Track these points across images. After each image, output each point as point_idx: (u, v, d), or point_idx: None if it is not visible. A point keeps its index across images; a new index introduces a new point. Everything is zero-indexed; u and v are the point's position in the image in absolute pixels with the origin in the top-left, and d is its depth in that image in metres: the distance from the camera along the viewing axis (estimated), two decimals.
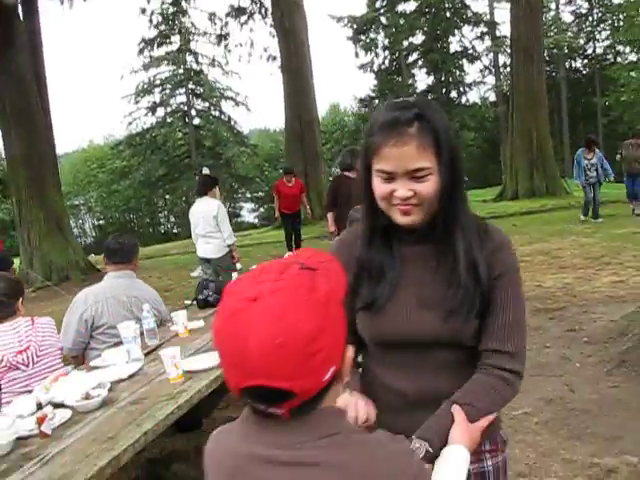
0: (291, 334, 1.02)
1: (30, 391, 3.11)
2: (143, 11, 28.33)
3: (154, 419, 2.48)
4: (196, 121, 41.42)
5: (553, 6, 40.59)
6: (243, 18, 21.19)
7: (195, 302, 4.77)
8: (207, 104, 42.20)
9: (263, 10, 21.02)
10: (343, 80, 77.26)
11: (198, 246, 7.50)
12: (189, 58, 39.38)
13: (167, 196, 45.07)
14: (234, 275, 4.49)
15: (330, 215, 8.12)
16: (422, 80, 41.17)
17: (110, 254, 4.21)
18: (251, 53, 23.58)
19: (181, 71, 40.21)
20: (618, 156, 13.87)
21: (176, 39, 37.27)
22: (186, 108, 41.17)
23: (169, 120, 41.37)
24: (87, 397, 2.70)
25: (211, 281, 4.97)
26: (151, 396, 2.77)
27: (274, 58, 22.28)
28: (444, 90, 40.40)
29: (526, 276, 8.19)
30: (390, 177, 1.54)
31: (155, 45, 37.60)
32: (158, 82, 40.61)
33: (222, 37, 21.96)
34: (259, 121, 64.03)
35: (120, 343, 3.63)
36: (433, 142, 1.50)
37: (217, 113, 42.26)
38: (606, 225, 12.53)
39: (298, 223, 12.76)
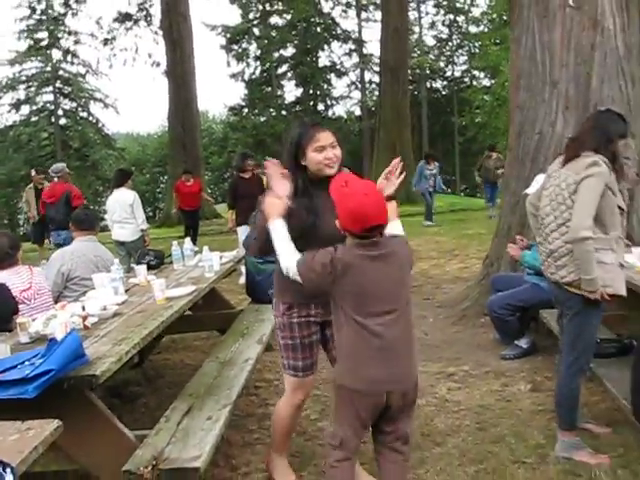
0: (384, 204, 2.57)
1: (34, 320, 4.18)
2: None
3: (161, 317, 3.71)
4: (63, 121, 40.60)
5: (417, 29, 43.53)
6: (129, 24, 21.92)
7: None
8: (75, 104, 41.35)
9: (149, 17, 21.88)
10: (213, 88, 77.84)
11: (113, 231, 8.52)
12: (56, 55, 38.71)
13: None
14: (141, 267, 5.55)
15: (230, 213, 9.51)
16: (291, 92, 42.56)
17: (79, 222, 5.34)
18: (135, 58, 24.29)
19: (48, 69, 39.38)
20: (476, 173, 16.31)
21: (44, 35, 36.70)
22: (53, 107, 40.18)
23: (34, 119, 40.12)
24: (104, 309, 3.86)
25: (151, 250, 6.16)
26: (148, 309, 3.98)
27: (158, 64, 23.12)
28: (312, 103, 41.96)
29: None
30: (322, 148, 2.98)
31: (22, 39, 36.86)
32: (23, 78, 39.58)
33: (108, 41, 22.50)
34: (126, 125, 63.35)
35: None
36: (335, 135, 3.03)
37: (85, 114, 41.51)
38: (457, 227, 14.62)
39: (197, 219, 13.98)
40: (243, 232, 9.21)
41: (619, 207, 3.45)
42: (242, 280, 7.76)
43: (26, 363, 2.76)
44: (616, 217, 3.41)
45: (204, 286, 4.80)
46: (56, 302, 5.14)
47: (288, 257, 2.72)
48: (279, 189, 2.89)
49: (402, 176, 3.09)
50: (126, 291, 4.61)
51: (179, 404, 3.50)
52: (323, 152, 2.97)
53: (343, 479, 2.77)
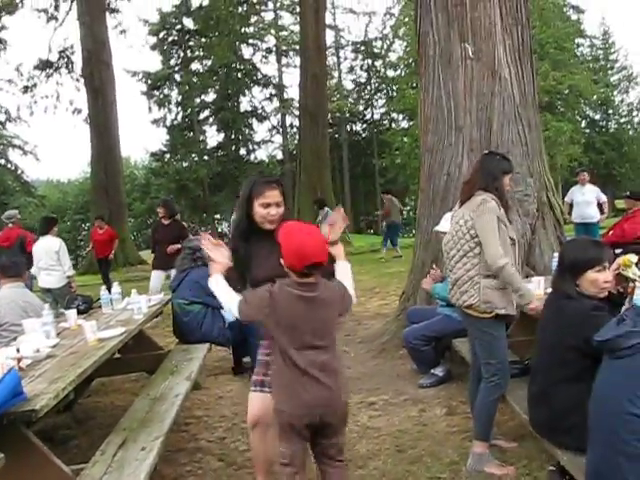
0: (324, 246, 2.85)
1: None
2: None
3: (94, 357, 3.88)
4: None
5: (336, 74, 44.64)
6: (49, 71, 21.86)
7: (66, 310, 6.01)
8: None
9: (70, 65, 21.88)
10: (134, 133, 77.50)
11: (40, 278, 8.55)
12: None
13: None
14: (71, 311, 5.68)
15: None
16: (213, 137, 42.78)
17: (6, 269, 5.44)
18: (56, 106, 24.15)
19: None
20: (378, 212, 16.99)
21: None
22: None
23: None
24: (37, 351, 4.00)
25: (80, 295, 6.28)
26: (81, 350, 4.14)
27: (79, 111, 23.06)
28: (234, 147, 42.20)
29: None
30: (267, 205, 3.35)
31: None
32: None
33: (28, 88, 22.32)
34: (46, 171, 62.34)
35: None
36: (282, 194, 3.35)
37: (2, 161, 40.61)
38: (378, 266, 15.06)
39: (107, 267, 13.85)
40: (157, 276, 9.59)
41: (510, 238, 3.91)
42: None
43: None
44: (507, 247, 3.85)
45: (133, 327, 4.99)
46: None
47: (229, 301, 3.07)
48: (218, 257, 3.24)
49: (345, 223, 3.40)
50: (57, 335, 4.73)
51: (113, 438, 3.68)
52: (267, 208, 3.37)
53: None
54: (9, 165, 39.73)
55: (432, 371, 5.75)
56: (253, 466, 3.76)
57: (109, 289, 6.35)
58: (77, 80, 21.90)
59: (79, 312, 5.76)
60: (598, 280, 3.16)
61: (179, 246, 9.30)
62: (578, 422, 2.85)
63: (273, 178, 3.53)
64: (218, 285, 3.16)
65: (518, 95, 6.45)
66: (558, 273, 3.36)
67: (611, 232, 9.09)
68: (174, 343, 6.78)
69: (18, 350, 3.89)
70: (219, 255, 3.25)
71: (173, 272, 9.18)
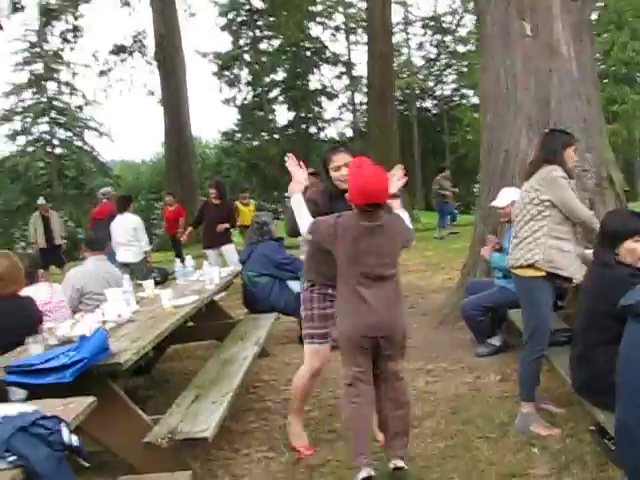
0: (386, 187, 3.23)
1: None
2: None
3: (170, 320, 4.28)
4: (58, 150, 40.89)
5: (405, 50, 44.34)
6: (124, 55, 22.65)
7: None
8: (70, 134, 41.72)
9: (143, 48, 22.63)
10: (206, 113, 78.92)
11: (118, 253, 9.08)
12: (51, 87, 39.28)
13: (25, 227, 43.79)
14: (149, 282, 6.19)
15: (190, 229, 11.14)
16: (283, 115, 43.36)
17: (90, 243, 5.93)
18: (130, 88, 24.97)
19: (44, 99, 39.91)
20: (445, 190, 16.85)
21: (40, 67, 37.29)
22: (48, 137, 40.56)
23: (30, 149, 40.37)
24: (119, 316, 4.42)
25: (156, 268, 6.74)
26: (158, 316, 4.56)
27: (153, 93, 23.81)
28: (304, 125, 42.54)
29: None
30: (338, 168, 3.75)
31: (18, 71, 37.45)
32: (20, 110, 40.13)
33: (104, 72, 23.21)
34: (120, 152, 64.11)
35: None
36: (350, 155, 3.69)
37: (80, 143, 41.91)
38: (446, 241, 15.21)
39: (179, 243, 14.28)
40: (212, 255, 9.95)
41: None
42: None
43: (61, 356, 3.32)
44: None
45: (206, 296, 5.39)
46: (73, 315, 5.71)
47: (303, 220, 3.52)
48: (298, 175, 3.73)
49: (404, 179, 3.90)
50: (136, 303, 5.16)
51: (188, 393, 4.08)
52: (338, 171, 3.78)
53: (358, 415, 3.47)
54: (86, 147, 41.14)
55: (488, 341, 5.97)
56: (291, 408, 4.29)
57: (182, 262, 6.79)
58: (150, 63, 22.64)
59: (156, 283, 6.20)
60: (636, 250, 3.34)
61: (227, 225, 9.81)
62: (614, 383, 3.05)
63: (338, 144, 4.01)
64: (299, 204, 3.57)
65: (577, 71, 6.52)
66: (599, 242, 3.55)
67: None
68: (243, 314, 7.19)
69: (103, 314, 4.32)
70: (299, 174, 3.69)
71: (225, 248, 9.90)
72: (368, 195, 3.27)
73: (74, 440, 2.49)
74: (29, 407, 2.60)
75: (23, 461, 2.27)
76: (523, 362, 4.23)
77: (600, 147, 6.68)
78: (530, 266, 4.08)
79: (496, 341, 5.96)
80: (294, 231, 3.75)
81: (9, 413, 2.46)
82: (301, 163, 3.82)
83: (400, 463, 3.48)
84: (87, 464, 2.63)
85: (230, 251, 10.08)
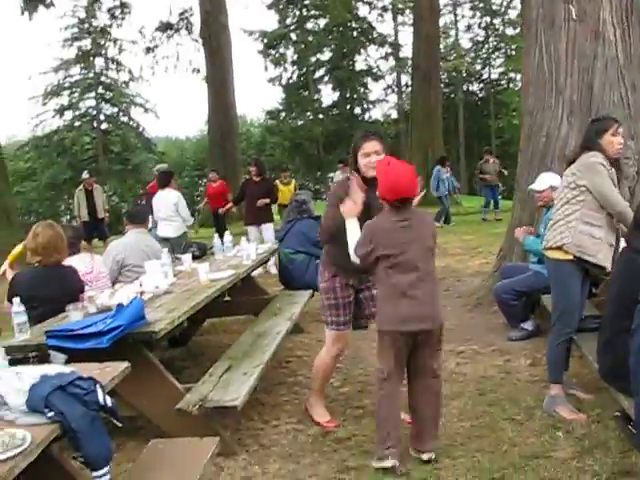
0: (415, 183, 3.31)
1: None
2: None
3: (205, 293, 4.40)
4: (104, 126, 41.28)
5: (453, 32, 43.86)
6: (170, 32, 22.85)
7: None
8: (116, 109, 42.17)
9: (189, 26, 22.77)
10: (251, 92, 79.23)
11: (159, 227, 9.25)
12: (99, 62, 39.77)
13: (71, 200, 44.45)
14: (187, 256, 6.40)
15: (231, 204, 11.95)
16: (328, 95, 43.18)
17: (132, 217, 6.09)
18: (176, 65, 25.37)
19: (91, 75, 40.43)
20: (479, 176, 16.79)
21: (87, 43, 37.76)
22: (95, 112, 41.02)
23: (77, 124, 40.84)
24: (157, 287, 4.56)
25: (195, 242, 6.89)
26: (194, 288, 4.69)
27: (198, 71, 24.00)
28: (349, 106, 42.50)
29: None
30: (367, 155, 3.80)
31: (67, 47, 38.00)
32: (67, 85, 40.69)
33: (150, 49, 23.46)
34: (165, 129, 64.82)
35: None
36: (381, 143, 3.70)
37: (126, 119, 42.35)
38: (486, 226, 15.14)
39: (223, 220, 14.51)
40: (253, 232, 10.09)
41: None
42: (274, 269, 8.42)
43: (99, 322, 3.46)
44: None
45: (242, 271, 5.52)
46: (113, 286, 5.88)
47: (356, 245, 3.58)
48: (356, 198, 3.73)
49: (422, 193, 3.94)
50: (174, 276, 5.31)
51: (220, 364, 4.21)
52: (367, 158, 3.84)
53: (391, 408, 3.57)
54: (131, 122, 41.71)
55: (521, 325, 5.98)
56: (313, 388, 4.45)
57: (221, 238, 6.92)
58: (196, 41, 22.80)
59: (194, 257, 6.35)
60: None
61: (268, 200, 9.93)
62: None
63: (371, 131, 4.01)
64: (352, 229, 3.66)
65: (622, 57, 6.43)
66: (631, 229, 3.55)
67: None
68: (279, 290, 7.31)
69: (141, 285, 4.46)
70: (358, 197, 3.72)
71: (264, 226, 10.07)
72: (400, 190, 3.39)
73: (108, 401, 2.62)
74: (67, 368, 2.73)
75: (60, 417, 2.40)
76: (551, 344, 4.28)
77: None
78: (559, 248, 4.13)
79: (529, 326, 5.97)
80: (326, 237, 3.96)
81: (48, 373, 2.60)
82: (363, 186, 3.83)
83: (427, 456, 3.60)
84: (120, 424, 2.75)
85: (269, 230, 10.23)
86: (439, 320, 3.57)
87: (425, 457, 3.60)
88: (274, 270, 9.26)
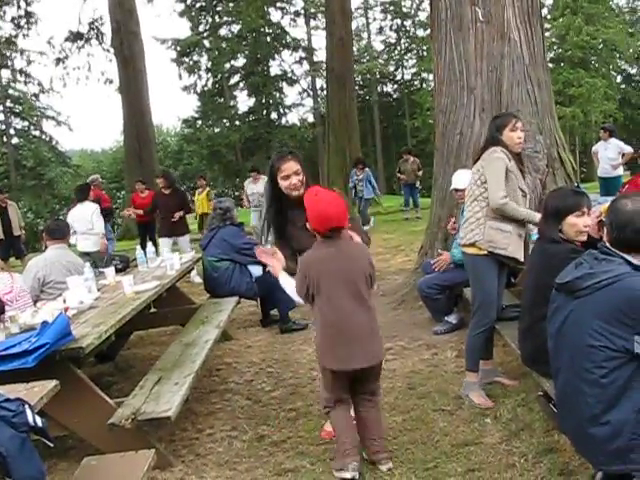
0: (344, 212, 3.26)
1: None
2: None
3: (131, 306, 4.35)
4: (15, 140, 40.07)
5: (365, 35, 44.45)
6: (80, 42, 22.34)
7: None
8: (27, 123, 40.94)
9: (100, 36, 22.33)
10: (166, 101, 78.25)
11: (78, 242, 9.06)
12: (5, 74, 38.47)
13: None
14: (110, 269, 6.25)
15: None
16: (244, 102, 43.14)
17: (52, 232, 5.94)
18: (88, 76, 24.76)
19: None
20: (398, 175, 17.01)
21: None
22: (4, 127, 39.76)
23: None
24: (81, 303, 4.48)
25: (117, 255, 6.78)
26: (119, 301, 4.62)
27: (111, 81, 23.56)
28: (265, 111, 42.46)
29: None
30: (287, 177, 3.73)
31: None
32: None
33: (60, 60, 22.83)
34: (80, 141, 63.34)
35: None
36: (299, 162, 3.71)
37: (37, 133, 41.12)
38: (406, 225, 15.41)
39: (152, 231, 14.04)
40: (165, 244, 9.65)
41: (520, 189, 4.35)
42: (198, 279, 8.32)
43: (23, 342, 3.38)
44: (518, 197, 4.29)
45: (167, 281, 5.47)
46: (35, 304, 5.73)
47: (294, 292, 3.56)
48: (275, 265, 3.69)
49: None
50: (98, 290, 5.22)
51: (150, 376, 4.16)
52: (287, 180, 3.75)
53: (340, 417, 3.60)
54: (44, 136, 40.34)
55: (446, 318, 6.14)
56: None
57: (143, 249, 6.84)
58: (107, 51, 22.38)
59: (117, 270, 6.25)
60: (577, 224, 3.51)
61: (182, 213, 9.89)
62: None
63: (285, 151, 3.91)
64: (284, 281, 3.63)
65: (527, 56, 6.69)
66: (542, 219, 3.70)
67: (627, 187, 9.27)
68: (206, 299, 7.26)
69: (64, 301, 4.37)
70: (276, 262, 3.68)
71: (181, 239, 9.98)
72: (329, 220, 3.35)
73: (39, 421, 2.56)
74: None
75: None
76: (469, 335, 4.46)
77: (551, 129, 6.86)
78: (473, 245, 4.30)
79: (453, 319, 6.12)
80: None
81: None
82: (272, 250, 3.76)
83: (386, 467, 3.57)
84: (52, 444, 2.70)
85: (185, 242, 10.15)
86: (378, 357, 3.56)
87: (384, 468, 3.55)
88: (198, 279, 9.20)
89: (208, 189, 14.26)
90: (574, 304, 2.82)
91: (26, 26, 22.36)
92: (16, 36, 24.22)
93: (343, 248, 3.44)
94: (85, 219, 8.92)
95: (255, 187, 12.98)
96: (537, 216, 4.18)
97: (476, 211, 4.30)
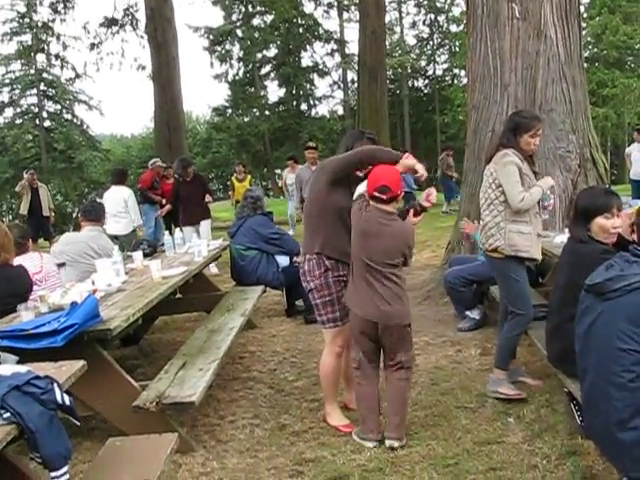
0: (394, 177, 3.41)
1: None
2: None
3: (158, 290, 4.39)
4: (47, 123, 40.41)
5: (398, 29, 44.22)
6: (115, 28, 22.48)
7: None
8: (59, 107, 41.37)
9: (135, 22, 22.45)
10: (197, 88, 78.55)
11: (108, 225, 9.13)
12: (41, 59, 38.88)
13: (13, 200, 43.50)
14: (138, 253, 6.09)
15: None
16: (274, 92, 43.19)
17: (86, 213, 6.01)
18: (121, 62, 24.99)
19: (32, 71, 39.55)
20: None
21: (28, 38, 36.85)
22: (37, 110, 40.16)
23: (18, 121, 40.12)
24: (109, 285, 4.52)
25: (145, 240, 6.84)
26: (147, 285, 4.66)
27: (144, 67, 23.69)
28: (295, 103, 42.55)
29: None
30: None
31: (6, 42, 37.03)
32: (7, 81, 39.78)
33: (94, 45, 22.99)
34: (110, 126, 63.90)
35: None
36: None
37: (69, 116, 41.52)
38: (433, 220, 15.31)
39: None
40: (188, 232, 9.07)
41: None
42: (214, 270, 8.27)
43: (53, 321, 3.42)
44: (528, 197, 4.20)
45: (194, 267, 5.50)
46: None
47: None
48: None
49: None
50: (126, 273, 5.26)
51: (175, 361, 4.20)
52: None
53: (364, 393, 3.81)
54: (75, 120, 40.78)
55: (468, 313, 6.10)
56: (326, 397, 4.27)
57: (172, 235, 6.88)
58: (141, 37, 22.49)
59: (144, 255, 6.28)
60: (606, 225, 3.48)
61: (210, 199, 9.87)
62: None
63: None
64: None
65: (563, 54, 6.63)
66: (572, 219, 3.67)
67: None
68: (231, 287, 7.29)
69: (93, 283, 4.42)
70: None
71: (202, 223, 9.75)
72: (376, 180, 3.58)
73: (67, 400, 2.60)
74: (22, 368, 2.70)
75: (17, 418, 2.37)
76: (505, 336, 4.40)
77: (584, 129, 6.80)
78: (495, 249, 4.26)
79: (476, 314, 6.09)
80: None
81: (3, 373, 2.57)
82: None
83: (389, 443, 3.73)
84: (78, 423, 2.73)
85: (206, 226, 9.94)
86: (397, 321, 3.71)
87: (387, 443, 3.72)
88: (215, 270, 9.18)
89: (249, 177, 14.17)
90: (604, 306, 2.78)
91: (63, 11, 22.51)
92: (53, 21, 24.41)
93: (393, 221, 3.68)
94: (117, 202, 9.01)
95: (294, 176, 12.77)
96: (548, 181, 4.32)
97: (494, 215, 4.26)
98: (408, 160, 3.84)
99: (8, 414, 2.39)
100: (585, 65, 7.39)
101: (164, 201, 11.00)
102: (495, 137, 4.54)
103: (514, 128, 4.26)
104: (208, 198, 9.95)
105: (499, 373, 4.40)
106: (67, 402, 2.59)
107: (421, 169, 3.89)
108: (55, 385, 2.56)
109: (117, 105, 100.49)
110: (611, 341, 2.71)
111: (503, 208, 4.21)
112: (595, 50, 36.32)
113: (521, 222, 4.19)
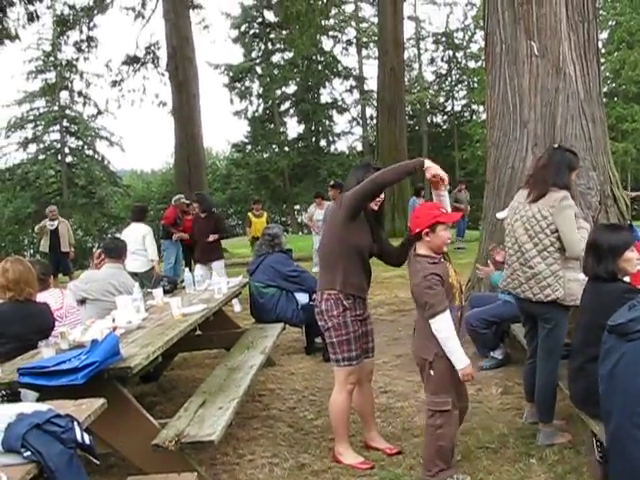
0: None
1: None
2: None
3: (179, 328, 4.39)
4: (69, 159, 40.95)
5: (417, 65, 44.60)
6: (136, 66, 22.88)
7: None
8: (81, 143, 41.96)
9: (156, 60, 22.85)
10: (216, 125, 79.35)
11: (127, 262, 9.16)
12: (64, 96, 39.52)
13: (35, 234, 43.55)
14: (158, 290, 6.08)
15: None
16: (293, 128, 43.58)
17: (108, 251, 6.04)
18: (143, 99, 25.38)
19: (55, 108, 40.21)
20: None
21: (52, 75, 37.50)
22: (59, 145, 40.75)
23: (41, 157, 40.64)
24: (129, 322, 4.53)
25: (165, 276, 6.86)
26: (167, 323, 4.67)
27: (164, 104, 24.05)
28: (314, 139, 42.92)
29: (387, 291, 10.58)
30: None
31: (31, 80, 37.75)
32: (31, 117, 40.42)
33: (116, 82, 23.41)
34: (130, 162, 64.66)
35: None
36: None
37: (91, 152, 42.08)
38: (453, 257, 15.21)
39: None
40: (199, 270, 8.86)
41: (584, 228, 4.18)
42: (237, 308, 8.30)
43: (73, 359, 3.43)
44: (584, 241, 4.01)
45: (214, 305, 5.51)
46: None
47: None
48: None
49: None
50: (146, 310, 5.28)
51: (195, 399, 4.18)
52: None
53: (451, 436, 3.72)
54: (97, 156, 41.38)
55: (491, 354, 6.05)
56: (337, 436, 4.24)
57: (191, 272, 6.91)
58: (162, 75, 22.85)
59: (164, 292, 6.31)
60: (632, 258, 3.44)
61: (217, 236, 9.77)
62: None
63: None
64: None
65: (582, 91, 6.65)
66: (594, 258, 3.56)
67: None
68: (251, 324, 7.29)
69: (114, 320, 4.43)
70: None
71: (215, 264, 9.56)
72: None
73: (86, 438, 2.60)
74: (43, 406, 2.71)
75: (37, 457, 2.38)
76: (544, 383, 4.25)
77: (604, 166, 6.78)
78: (554, 301, 4.07)
79: (499, 354, 6.04)
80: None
81: (25, 411, 2.57)
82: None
83: None
84: (97, 462, 2.73)
85: (219, 267, 9.65)
86: (416, 354, 3.83)
87: None
88: (238, 308, 9.13)
89: (266, 214, 14.27)
90: (627, 347, 2.76)
91: (87, 50, 22.99)
92: (77, 59, 24.91)
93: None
94: (136, 240, 9.07)
95: (321, 212, 12.68)
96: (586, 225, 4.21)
97: (549, 263, 4.03)
98: (430, 164, 3.85)
99: (29, 452, 2.39)
100: (604, 100, 7.42)
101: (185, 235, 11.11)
102: (540, 172, 4.21)
103: (566, 168, 4.10)
104: (212, 237, 9.79)
105: (547, 427, 4.27)
106: (87, 441, 2.59)
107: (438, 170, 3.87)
108: (75, 424, 2.56)
109: (138, 141, 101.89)
110: (635, 382, 2.68)
111: (559, 255, 4.03)
112: (614, 85, 36.37)
113: (574, 269, 4.06)
